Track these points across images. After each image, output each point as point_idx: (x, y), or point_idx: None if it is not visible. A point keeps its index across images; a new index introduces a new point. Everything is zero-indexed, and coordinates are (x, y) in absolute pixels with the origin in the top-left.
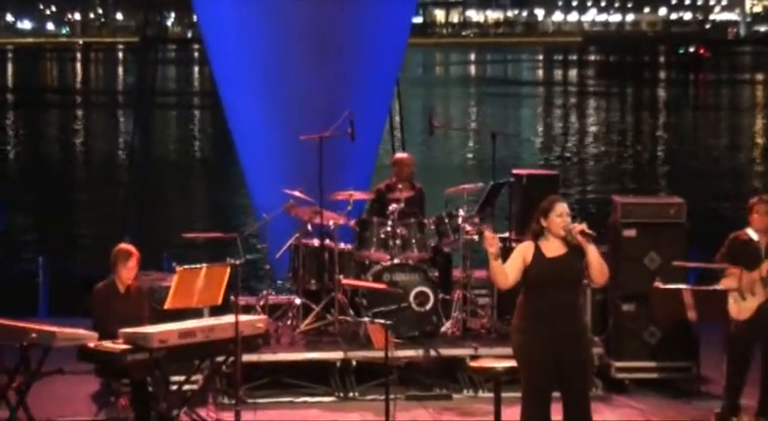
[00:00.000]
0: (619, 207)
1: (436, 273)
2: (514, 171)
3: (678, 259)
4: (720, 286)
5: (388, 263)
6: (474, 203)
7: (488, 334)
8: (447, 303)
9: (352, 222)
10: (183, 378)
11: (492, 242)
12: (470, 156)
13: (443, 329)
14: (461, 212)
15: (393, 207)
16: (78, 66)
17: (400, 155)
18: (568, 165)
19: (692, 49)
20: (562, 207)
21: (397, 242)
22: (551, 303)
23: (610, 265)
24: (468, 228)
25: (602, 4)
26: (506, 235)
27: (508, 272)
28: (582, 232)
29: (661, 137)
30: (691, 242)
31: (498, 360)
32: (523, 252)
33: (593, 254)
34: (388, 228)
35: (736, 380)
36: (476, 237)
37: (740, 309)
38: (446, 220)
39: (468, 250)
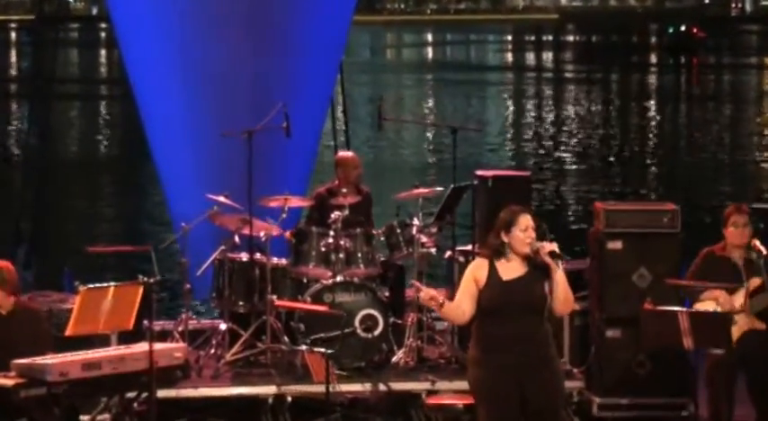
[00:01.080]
0: (602, 215)
1: (386, 293)
2: (478, 172)
3: (672, 276)
4: (716, 308)
5: (330, 281)
6: (431, 211)
7: (448, 364)
8: (399, 328)
9: (288, 233)
10: (87, 418)
11: (429, 302)
12: (427, 154)
13: (395, 359)
14: (416, 221)
15: (336, 215)
16: None
17: (344, 154)
18: (542, 164)
19: (683, 28)
20: (527, 220)
21: (341, 256)
22: (509, 332)
23: (592, 283)
24: (423, 239)
25: None
26: (469, 248)
27: (462, 304)
28: (552, 254)
29: (652, 132)
30: (686, 255)
31: (459, 396)
32: (475, 273)
33: (560, 281)
34: (330, 240)
35: (722, 415)
36: (433, 251)
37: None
38: (398, 231)
39: (424, 265)
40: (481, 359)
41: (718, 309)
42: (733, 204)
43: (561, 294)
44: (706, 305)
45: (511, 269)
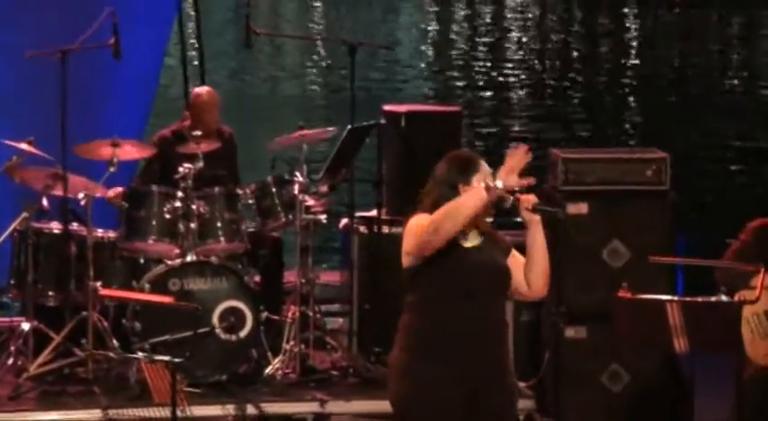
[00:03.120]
0: (559, 166)
1: (257, 278)
2: (387, 107)
3: (658, 251)
4: (727, 297)
5: (177, 261)
6: (320, 162)
7: (343, 377)
8: (275, 327)
9: (112, 193)
10: None
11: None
12: (315, 83)
13: (269, 370)
14: (299, 176)
15: (186, 168)
16: None
17: (198, 89)
18: (477, 96)
19: None
20: (487, 167)
21: (192, 226)
22: (465, 323)
23: (550, 263)
24: (309, 201)
25: None
26: (373, 213)
27: None
28: (537, 206)
29: (631, 45)
30: (679, 222)
31: None
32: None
33: (541, 240)
34: (177, 204)
35: None
36: (323, 218)
37: (759, 345)
38: (274, 190)
39: (311, 238)
40: (417, 366)
41: (723, 298)
42: None
43: (543, 262)
44: (750, 293)
45: (468, 234)
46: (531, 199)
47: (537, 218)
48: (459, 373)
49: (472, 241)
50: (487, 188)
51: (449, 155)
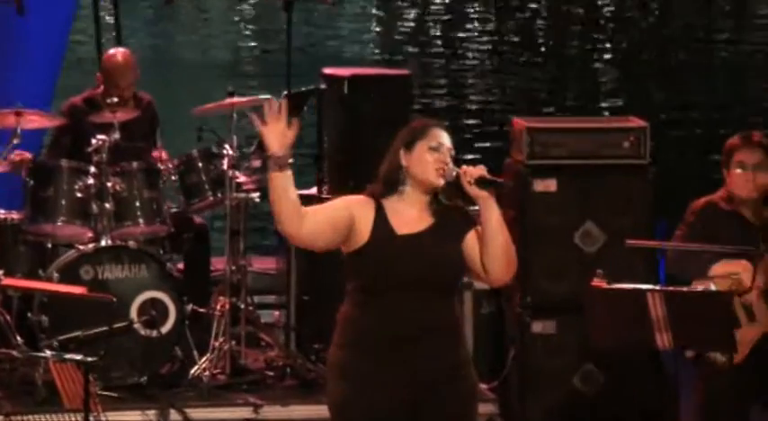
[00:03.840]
0: (524, 137)
1: (181, 265)
2: (327, 70)
3: (636, 234)
4: (709, 285)
5: (90, 246)
6: (253, 133)
7: (280, 379)
8: (202, 321)
9: (16, 157)
10: None
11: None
12: (244, 43)
13: (194, 371)
14: (228, 149)
15: (99, 140)
16: None
17: (112, 51)
18: (430, 57)
19: None
20: (441, 135)
21: (107, 206)
22: (403, 321)
23: None
24: (241, 178)
25: None
26: (313, 191)
27: (309, 212)
28: (482, 179)
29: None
30: (662, 203)
31: None
32: (355, 210)
33: (497, 224)
34: (90, 181)
35: None
36: (256, 196)
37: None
38: (200, 165)
39: (242, 220)
40: (350, 367)
41: (712, 286)
42: (739, 134)
43: (501, 246)
44: (718, 283)
45: (408, 219)
46: (472, 171)
47: (485, 193)
48: (402, 376)
49: (414, 226)
50: (275, 160)
51: (409, 122)
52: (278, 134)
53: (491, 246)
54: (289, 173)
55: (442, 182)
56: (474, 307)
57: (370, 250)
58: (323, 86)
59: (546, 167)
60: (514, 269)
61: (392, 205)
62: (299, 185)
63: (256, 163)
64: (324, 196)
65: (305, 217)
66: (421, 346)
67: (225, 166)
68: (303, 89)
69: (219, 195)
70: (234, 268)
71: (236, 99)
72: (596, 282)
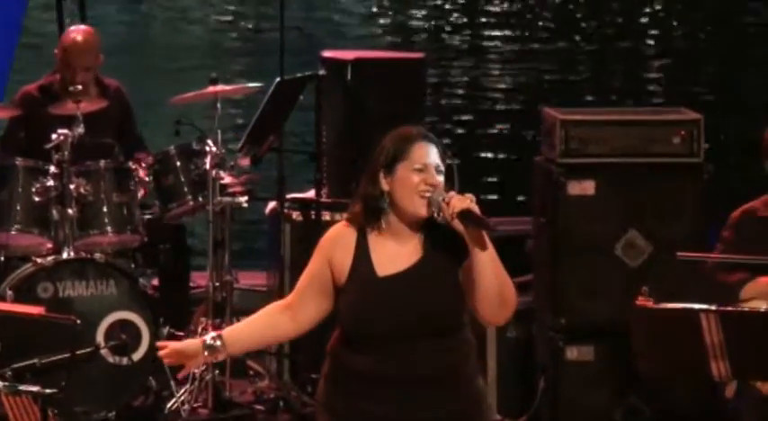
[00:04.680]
0: (557, 131)
1: (155, 281)
2: (327, 53)
3: (689, 245)
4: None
5: (50, 259)
6: (241, 126)
7: (271, 413)
8: None
9: None
10: None
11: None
12: (229, 20)
13: (171, 405)
14: (211, 145)
15: (61, 135)
16: None
17: (73, 29)
18: (446, 40)
19: None
20: (427, 152)
21: (70, 212)
22: (395, 368)
23: (540, 262)
24: (226, 178)
25: None
26: (310, 194)
27: (302, 304)
28: (465, 213)
29: None
30: (716, 207)
31: None
32: (332, 253)
33: (488, 264)
34: (50, 183)
35: None
36: (243, 201)
37: None
38: (178, 164)
39: (227, 228)
40: (336, 405)
41: None
42: None
43: (491, 288)
44: (758, 304)
45: (392, 253)
46: (455, 202)
47: (467, 231)
48: (395, 418)
49: (400, 263)
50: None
51: (389, 134)
52: (191, 363)
53: (481, 290)
54: (224, 350)
55: (424, 210)
56: (498, 330)
57: (349, 295)
58: (322, 72)
59: (583, 167)
60: (510, 313)
61: (375, 237)
62: (294, 187)
63: (244, 161)
64: (322, 200)
65: (293, 314)
66: (415, 395)
67: (207, 166)
68: (299, 75)
69: (201, 199)
70: (217, 284)
71: (219, 87)
72: (641, 300)
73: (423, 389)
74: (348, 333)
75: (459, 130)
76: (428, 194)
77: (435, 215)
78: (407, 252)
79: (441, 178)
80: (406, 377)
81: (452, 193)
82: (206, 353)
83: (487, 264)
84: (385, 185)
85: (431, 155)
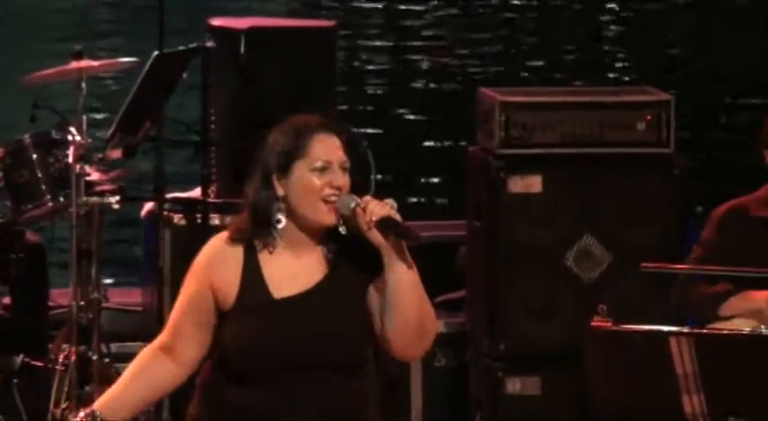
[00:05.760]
0: (496, 115)
1: (7, 299)
2: (216, 21)
3: (656, 254)
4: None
5: None
6: (110, 111)
7: None
8: (37, 378)
9: None
10: None
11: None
12: None
13: None
14: (74, 134)
15: None
16: None
17: None
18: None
19: None
20: (331, 145)
21: None
22: (290, 411)
23: (476, 276)
24: (93, 175)
25: None
26: (196, 192)
27: (178, 341)
28: (386, 222)
29: None
30: (689, 207)
31: None
32: (211, 278)
33: (406, 282)
34: None
35: None
36: (114, 201)
37: None
38: (33, 156)
39: (94, 235)
40: (210, 412)
41: (763, 329)
42: None
43: (411, 318)
44: (739, 324)
45: (292, 269)
46: (373, 208)
47: (387, 243)
48: None
49: (299, 283)
50: None
51: (281, 124)
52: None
53: (399, 319)
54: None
55: (330, 219)
56: (424, 357)
57: (237, 323)
58: (210, 44)
59: (527, 159)
60: (429, 346)
61: (267, 253)
62: (176, 185)
63: (115, 153)
64: (211, 201)
65: (173, 356)
66: None
67: (70, 158)
68: (182, 48)
69: (62, 199)
70: (82, 303)
71: (84, 62)
72: (598, 321)
73: None
74: (233, 366)
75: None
76: (334, 199)
77: (340, 226)
78: (308, 269)
79: (347, 178)
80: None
81: (368, 198)
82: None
83: (409, 287)
84: (279, 189)
85: (334, 150)
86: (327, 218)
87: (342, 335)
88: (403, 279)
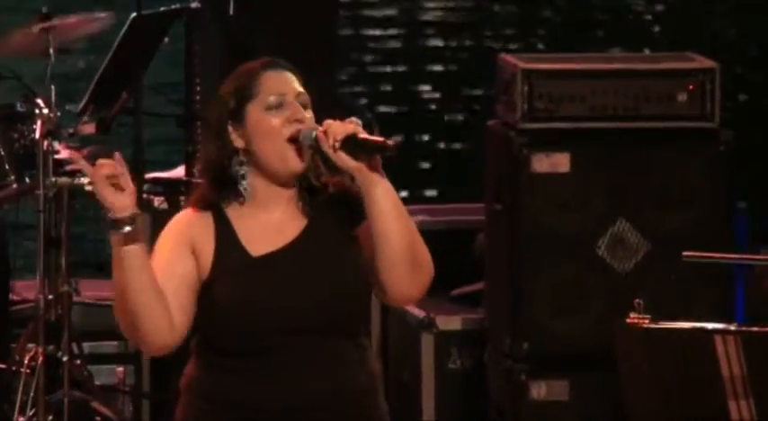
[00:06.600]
0: (518, 85)
1: None
2: None
3: (700, 242)
4: None
5: None
6: (81, 80)
7: None
8: (2, 382)
9: None
10: None
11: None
12: None
13: None
14: (42, 106)
15: None
16: None
17: None
18: None
19: None
20: (283, 78)
21: None
22: (286, 387)
23: (495, 267)
24: (64, 152)
25: None
26: (179, 172)
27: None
28: (353, 140)
29: None
30: (738, 189)
31: None
32: (192, 239)
33: (386, 202)
34: None
35: None
36: (86, 181)
37: None
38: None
39: (64, 220)
40: (203, 410)
41: None
42: None
43: (399, 242)
44: None
45: (267, 225)
46: (335, 130)
47: (359, 163)
48: None
49: (279, 238)
50: (119, 226)
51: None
52: (117, 185)
53: (387, 248)
54: (141, 248)
55: (301, 163)
56: (437, 357)
57: (214, 290)
58: (195, 4)
59: (553, 134)
60: (427, 280)
61: (237, 212)
62: (156, 164)
63: (88, 128)
64: (196, 181)
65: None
66: (311, 407)
67: (36, 134)
68: (162, 9)
69: (28, 180)
70: (51, 297)
71: (52, 22)
72: (633, 318)
73: (313, 401)
74: (223, 338)
75: (385, 87)
76: (296, 133)
77: (312, 175)
78: (285, 224)
79: (309, 113)
80: (303, 400)
81: (329, 120)
82: (129, 214)
83: (391, 210)
84: (237, 140)
85: (287, 83)
86: (293, 159)
87: (332, 286)
88: (383, 201)
